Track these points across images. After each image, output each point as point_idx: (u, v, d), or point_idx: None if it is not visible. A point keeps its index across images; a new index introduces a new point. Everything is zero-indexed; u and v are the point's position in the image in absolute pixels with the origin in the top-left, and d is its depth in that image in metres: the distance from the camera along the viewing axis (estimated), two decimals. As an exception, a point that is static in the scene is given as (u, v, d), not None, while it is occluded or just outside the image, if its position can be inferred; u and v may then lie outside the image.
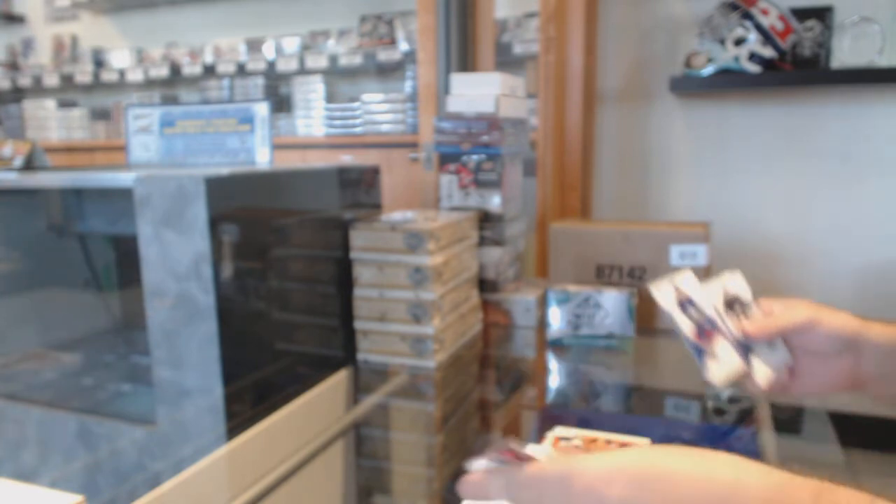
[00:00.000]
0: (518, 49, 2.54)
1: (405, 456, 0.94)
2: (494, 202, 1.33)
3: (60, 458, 1.04)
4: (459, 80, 1.36)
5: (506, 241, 1.35)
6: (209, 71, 3.18)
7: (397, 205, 1.48)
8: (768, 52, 2.05)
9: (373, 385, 1.10)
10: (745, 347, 0.66)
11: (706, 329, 0.66)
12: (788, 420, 0.95)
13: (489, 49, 1.93)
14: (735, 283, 0.69)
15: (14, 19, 3.85)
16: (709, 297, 0.68)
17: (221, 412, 0.88)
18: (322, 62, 2.93)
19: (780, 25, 2.04)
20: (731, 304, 0.68)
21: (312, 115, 2.95)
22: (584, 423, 0.84)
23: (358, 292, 1.13)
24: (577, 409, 1.02)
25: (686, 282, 0.69)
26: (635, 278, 1.29)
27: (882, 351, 0.61)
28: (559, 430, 0.80)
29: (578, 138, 2.20)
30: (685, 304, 0.68)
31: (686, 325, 0.67)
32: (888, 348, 0.61)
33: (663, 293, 0.69)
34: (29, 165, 1.30)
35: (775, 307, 0.67)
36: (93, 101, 3.69)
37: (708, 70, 2.12)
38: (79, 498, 0.52)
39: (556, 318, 1.20)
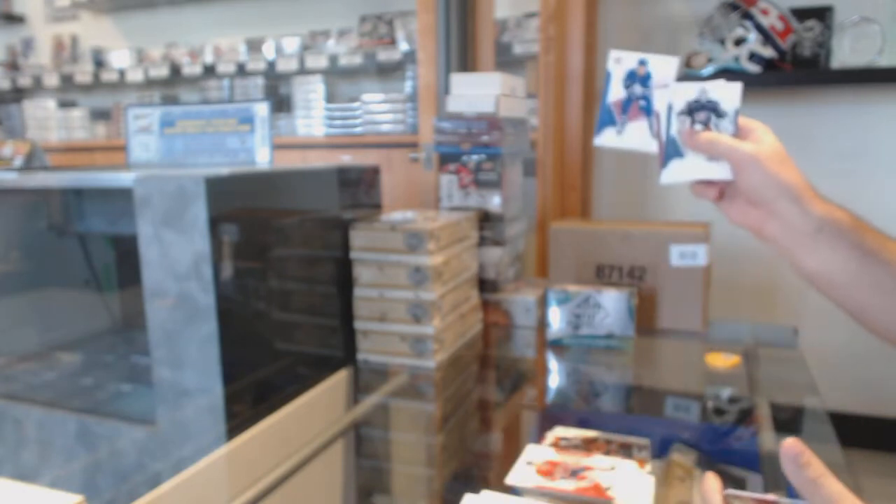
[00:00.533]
0: (518, 49, 2.54)
1: (405, 456, 0.94)
2: (494, 202, 1.33)
3: (60, 458, 1.04)
4: (459, 80, 1.36)
5: (506, 241, 1.35)
6: (209, 71, 3.18)
7: (397, 205, 1.48)
8: (768, 52, 2.05)
9: (373, 385, 1.10)
10: (675, 146, 0.65)
11: (636, 106, 0.66)
12: (788, 420, 0.95)
13: (489, 49, 1.93)
14: (723, 91, 0.67)
15: (14, 19, 3.85)
16: (675, 88, 0.67)
17: (221, 412, 0.88)
18: (322, 62, 2.93)
19: (780, 25, 2.04)
20: (699, 107, 0.66)
21: (312, 115, 2.95)
22: (584, 423, 0.84)
23: (358, 292, 1.13)
24: (577, 409, 1.02)
25: (658, 63, 0.67)
26: (635, 278, 1.29)
27: (808, 220, 0.61)
28: (559, 430, 0.80)
29: (578, 138, 2.20)
30: (637, 78, 0.67)
31: (615, 92, 0.67)
32: (814, 220, 0.61)
33: (621, 59, 0.67)
34: (29, 165, 1.30)
35: (754, 132, 0.66)
36: (93, 101, 3.69)
37: (708, 70, 2.12)
38: (79, 498, 0.52)
39: (556, 318, 1.20)
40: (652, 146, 0.69)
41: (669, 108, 0.67)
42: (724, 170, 0.65)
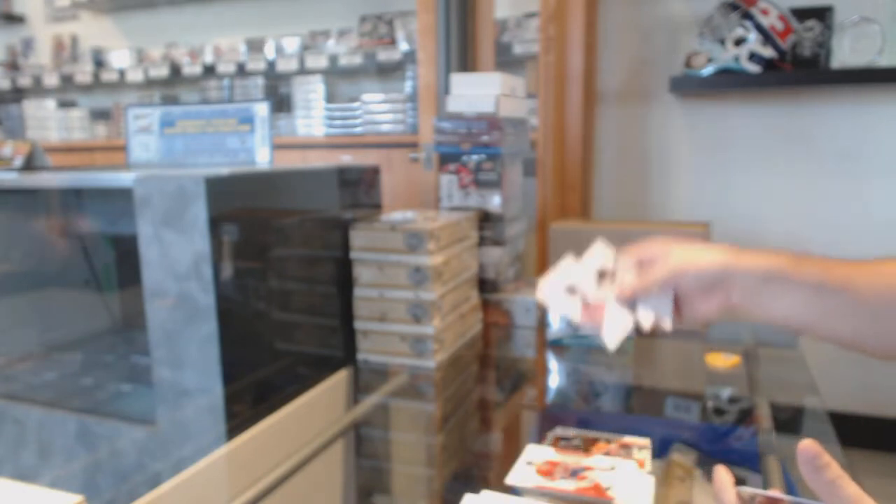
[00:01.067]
0: (518, 49, 2.54)
1: (405, 456, 0.94)
2: (494, 202, 1.33)
3: (60, 458, 1.04)
4: (459, 80, 1.36)
5: (506, 241, 1.35)
6: (209, 71, 3.18)
7: (397, 205, 1.48)
8: (768, 52, 2.05)
9: (373, 385, 1.10)
10: (629, 304, 0.71)
11: (590, 306, 0.70)
12: (788, 420, 0.95)
13: (489, 49, 1.93)
14: (597, 254, 0.74)
15: (14, 19, 3.85)
16: (585, 274, 0.73)
17: (221, 412, 0.88)
18: (322, 62, 2.93)
19: (780, 25, 2.04)
20: (602, 274, 0.72)
21: (312, 115, 2.95)
22: (584, 423, 0.84)
23: (358, 292, 1.13)
24: (577, 409, 1.02)
25: (564, 270, 0.73)
26: (635, 278, 1.29)
27: (751, 279, 0.65)
28: (559, 430, 0.80)
29: (578, 138, 2.20)
30: (567, 290, 0.72)
31: (574, 312, 0.71)
32: (757, 277, 0.65)
33: (548, 293, 0.72)
34: (29, 165, 1.30)
35: (653, 254, 0.71)
36: (93, 101, 3.69)
37: (708, 70, 2.12)
38: (79, 498, 0.52)
39: (556, 318, 1.20)
40: (628, 316, 0.72)
41: (597, 289, 0.73)
42: (668, 295, 0.70)
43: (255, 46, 3.16)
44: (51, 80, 3.59)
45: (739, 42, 2.07)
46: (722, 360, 1.12)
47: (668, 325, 0.70)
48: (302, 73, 2.98)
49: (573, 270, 0.73)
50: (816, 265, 0.64)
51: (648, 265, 0.71)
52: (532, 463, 0.71)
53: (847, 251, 2.22)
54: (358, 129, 2.85)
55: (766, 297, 0.65)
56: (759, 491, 0.46)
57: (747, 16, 2.05)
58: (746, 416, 0.96)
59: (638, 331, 0.71)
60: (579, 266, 0.73)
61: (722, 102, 2.33)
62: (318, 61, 2.94)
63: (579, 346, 1.20)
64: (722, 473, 0.49)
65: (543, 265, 1.92)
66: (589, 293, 0.72)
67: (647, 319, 0.70)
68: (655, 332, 0.70)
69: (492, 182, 1.32)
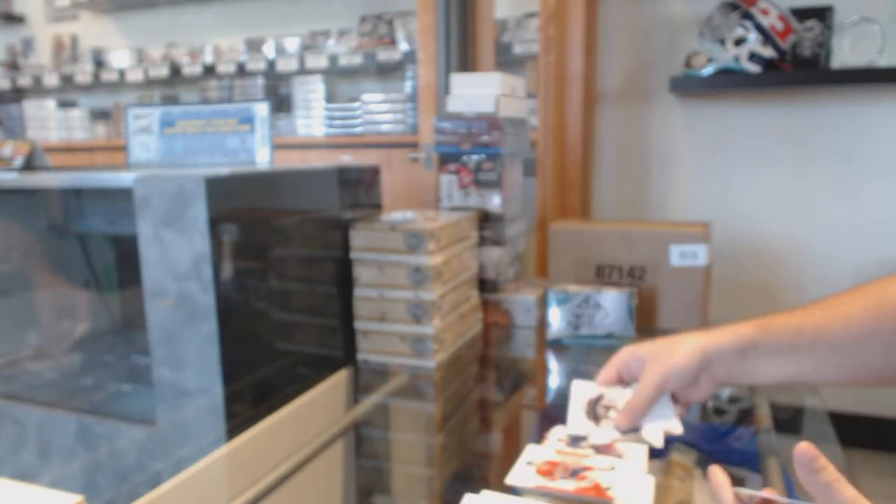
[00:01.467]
0: (518, 49, 2.54)
1: (405, 456, 0.94)
2: (494, 202, 1.33)
3: (60, 458, 1.04)
4: (459, 80, 1.36)
5: (506, 241, 1.35)
6: (209, 71, 3.18)
7: (397, 205, 1.48)
8: (768, 52, 2.05)
9: (373, 385, 1.10)
10: (634, 428, 0.74)
11: (602, 446, 0.73)
12: (788, 420, 0.95)
13: (489, 49, 1.93)
14: (579, 391, 0.79)
15: (14, 19, 3.85)
16: (580, 420, 0.77)
17: (221, 412, 0.88)
18: (322, 62, 2.93)
19: (780, 25, 2.04)
20: (596, 401, 0.77)
21: (312, 115, 2.95)
22: (584, 423, 0.84)
23: (358, 292, 1.13)
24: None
25: (562, 432, 0.77)
26: (635, 278, 1.29)
27: (727, 356, 0.69)
28: (559, 430, 0.80)
29: (578, 138, 2.20)
30: (574, 442, 0.75)
31: (600, 435, 0.74)
32: (731, 352, 0.69)
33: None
34: (29, 165, 1.30)
35: (628, 363, 0.76)
36: (93, 101, 3.69)
37: (708, 70, 2.12)
38: (79, 498, 0.52)
39: (556, 318, 1.20)
40: (659, 433, 0.74)
41: (599, 429, 0.76)
42: (665, 399, 0.74)
43: (255, 46, 3.16)
44: (51, 80, 3.59)
45: (739, 42, 2.07)
46: (722, 360, 1.12)
47: (678, 428, 0.73)
48: (302, 73, 2.98)
49: (570, 423, 0.77)
50: (786, 326, 0.66)
51: (628, 374, 0.75)
52: (532, 463, 0.71)
53: (847, 251, 2.22)
54: (358, 129, 2.85)
55: (747, 368, 0.68)
56: (757, 492, 0.46)
57: (747, 16, 2.05)
58: (746, 416, 0.96)
59: (654, 451, 0.73)
60: (570, 416, 0.77)
61: (722, 102, 2.33)
62: (318, 61, 2.94)
63: (579, 346, 1.20)
64: (718, 474, 0.49)
65: (543, 265, 1.92)
66: (593, 435, 0.75)
67: (656, 435, 0.73)
68: (668, 438, 0.72)
69: (492, 182, 1.32)
